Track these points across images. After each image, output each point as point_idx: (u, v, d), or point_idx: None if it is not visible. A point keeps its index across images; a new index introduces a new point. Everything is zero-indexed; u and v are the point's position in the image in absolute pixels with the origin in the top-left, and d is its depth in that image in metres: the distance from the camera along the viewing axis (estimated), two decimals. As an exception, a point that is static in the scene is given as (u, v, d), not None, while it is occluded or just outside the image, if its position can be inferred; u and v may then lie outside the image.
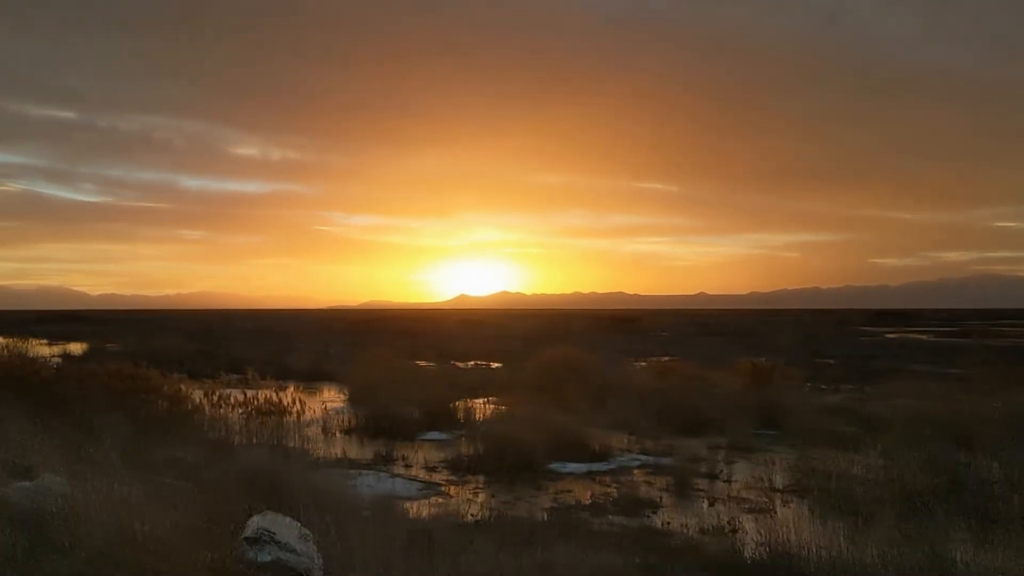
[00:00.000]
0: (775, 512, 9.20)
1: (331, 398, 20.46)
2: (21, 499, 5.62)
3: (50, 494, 5.64)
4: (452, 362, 33.32)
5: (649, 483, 10.92)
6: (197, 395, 15.59)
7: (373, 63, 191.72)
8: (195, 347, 31.51)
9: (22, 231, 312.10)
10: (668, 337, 53.64)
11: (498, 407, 17.14)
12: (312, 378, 25.56)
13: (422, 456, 12.97)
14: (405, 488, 10.56)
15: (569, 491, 10.51)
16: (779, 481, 10.92)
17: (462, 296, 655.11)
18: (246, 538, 4.89)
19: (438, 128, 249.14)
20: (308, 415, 16.18)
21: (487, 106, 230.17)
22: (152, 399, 12.77)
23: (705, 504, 9.79)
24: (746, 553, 7.24)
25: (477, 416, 16.39)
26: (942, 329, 71.23)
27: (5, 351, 23.98)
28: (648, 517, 9.18)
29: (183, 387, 14.67)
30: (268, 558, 4.72)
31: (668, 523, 8.87)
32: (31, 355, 24.11)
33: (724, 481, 11.11)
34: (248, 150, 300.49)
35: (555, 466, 11.89)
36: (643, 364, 30.30)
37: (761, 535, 7.54)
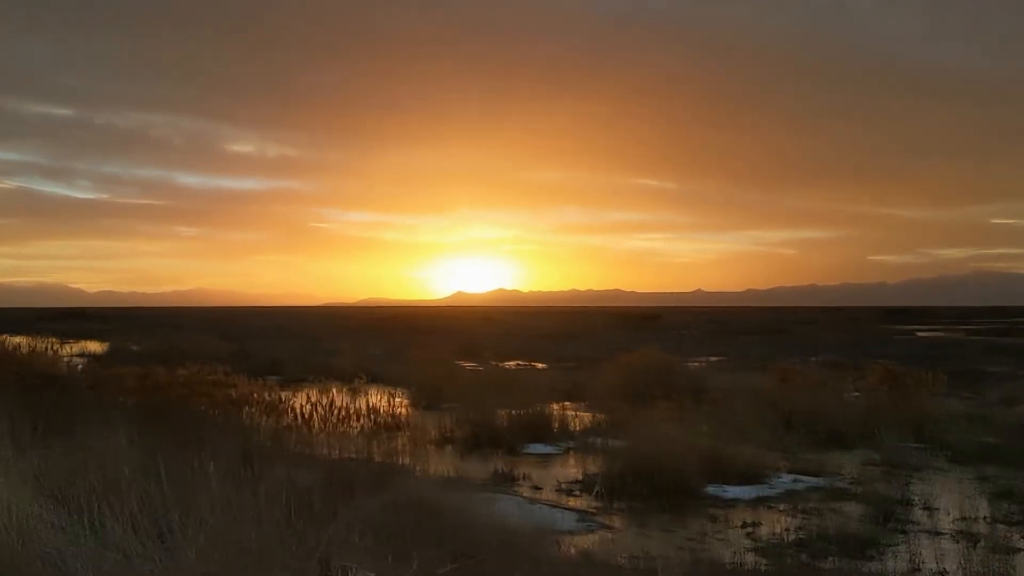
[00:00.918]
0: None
1: (399, 404, 18.74)
2: None
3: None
4: (493, 363, 31.70)
5: (839, 511, 9.25)
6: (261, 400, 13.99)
7: (369, 60, 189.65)
8: (228, 347, 29.75)
9: (19, 228, 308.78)
10: (700, 335, 52.00)
11: (594, 416, 15.51)
12: (352, 380, 23.85)
13: (545, 475, 11.31)
14: (558, 519, 8.89)
15: (754, 523, 8.84)
16: (989, 509, 9.28)
17: (459, 293, 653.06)
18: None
19: (435, 125, 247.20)
20: (384, 423, 14.50)
21: (484, 102, 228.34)
22: (252, 410, 11.10)
23: (935, 540, 8.15)
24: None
25: (576, 426, 14.77)
26: (968, 327, 69.86)
27: (30, 351, 22.23)
28: (881, 560, 7.56)
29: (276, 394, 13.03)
30: None
31: (915, 568, 7.25)
32: (65, 356, 22.49)
33: (924, 508, 9.47)
34: (245, 147, 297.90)
35: (713, 490, 10.23)
36: (700, 365, 28.73)
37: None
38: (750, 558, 7.57)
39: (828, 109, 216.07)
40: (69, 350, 31.00)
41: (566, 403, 17.68)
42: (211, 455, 5.85)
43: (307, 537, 4.36)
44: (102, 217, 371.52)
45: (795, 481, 10.80)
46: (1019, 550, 7.77)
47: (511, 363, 31.97)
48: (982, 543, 7.97)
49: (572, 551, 7.57)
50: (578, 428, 14.65)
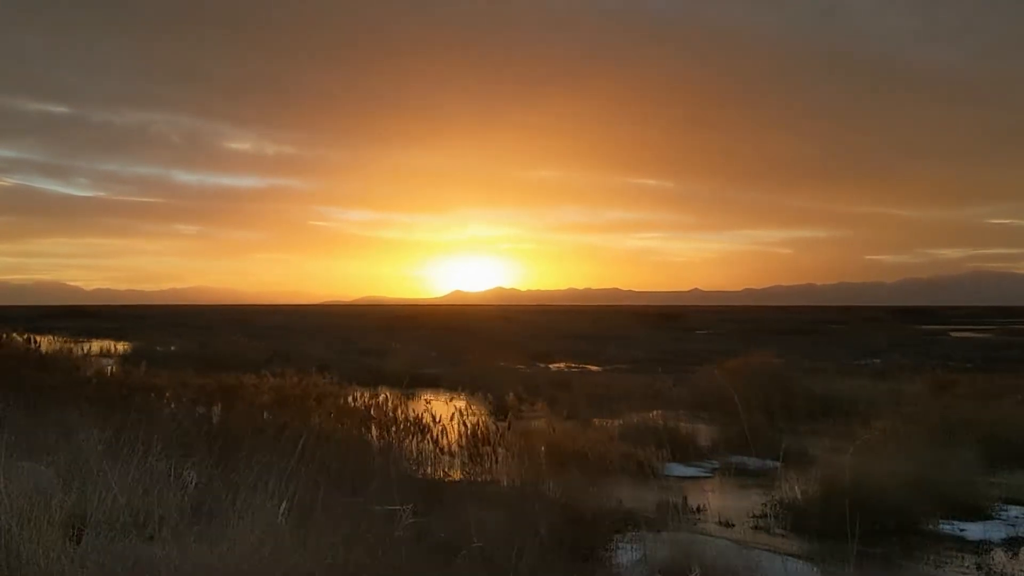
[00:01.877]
0: None
1: (476, 411, 17.00)
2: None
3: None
4: (540, 364, 30.00)
5: None
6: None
7: (367, 59, 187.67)
8: (262, 347, 27.96)
9: (16, 226, 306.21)
10: (733, 336, 50.29)
11: (719, 431, 13.77)
12: (413, 383, 22.08)
13: (717, 505, 9.57)
14: (791, 570, 7.18)
15: (1039, 576, 7.15)
16: None
17: (457, 292, 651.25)
18: None
19: (432, 123, 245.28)
20: (490, 437, 12.76)
21: (481, 101, 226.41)
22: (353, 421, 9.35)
23: None
24: None
25: (706, 443, 13.05)
26: (990, 327, 68.36)
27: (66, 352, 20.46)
28: None
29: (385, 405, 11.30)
30: None
31: None
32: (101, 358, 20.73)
33: None
34: (243, 145, 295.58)
35: (946, 528, 8.53)
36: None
37: None
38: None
39: (825, 109, 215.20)
40: (91, 351, 29.11)
41: (663, 413, 15.94)
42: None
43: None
44: (100, 215, 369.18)
45: (1027, 515, 9.09)
46: None
47: (559, 365, 30.28)
48: None
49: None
50: (710, 445, 12.94)
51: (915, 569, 7.43)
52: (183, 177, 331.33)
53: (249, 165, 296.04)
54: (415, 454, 9.77)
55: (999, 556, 7.74)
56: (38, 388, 9.27)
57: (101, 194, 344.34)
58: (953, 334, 57.02)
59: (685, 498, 9.55)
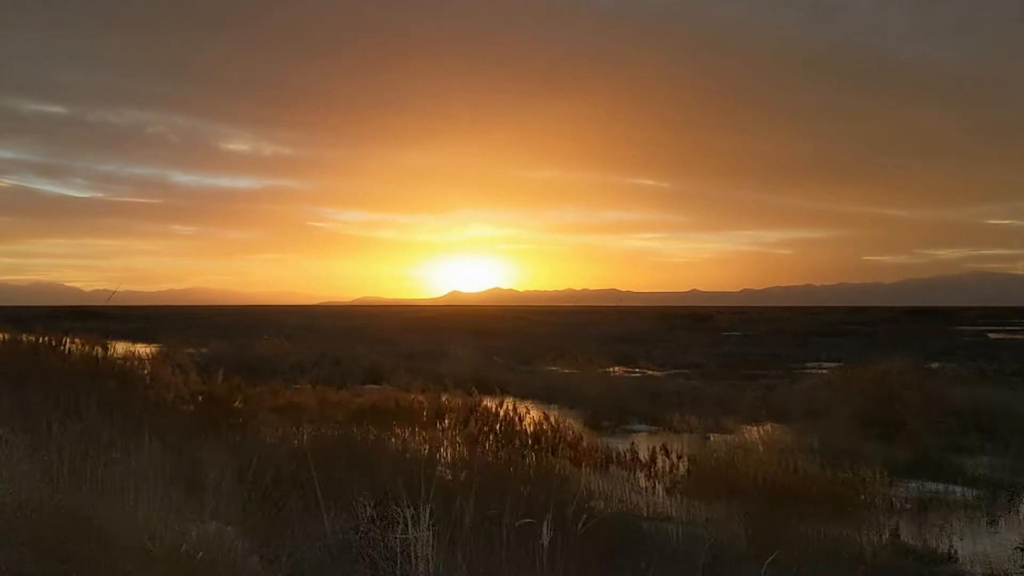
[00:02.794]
0: None
1: (578, 425, 15.15)
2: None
3: None
4: (598, 368, 28.15)
5: None
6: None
7: (365, 59, 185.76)
8: (304, 350, 26.06)
9: (14, 226, 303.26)
10: (772, 338, 48.47)
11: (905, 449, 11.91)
12: (481, 389, 20.23)
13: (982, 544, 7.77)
14: None
15: None
16: None
17: (454, 292, 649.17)
18: None
19: (430, 124, 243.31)
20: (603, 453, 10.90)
21: (479, 102, 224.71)
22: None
23: None
24: None
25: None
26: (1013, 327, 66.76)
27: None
28: None
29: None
30: None
31: None
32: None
33: None
34: (240, 145, 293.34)
35: None
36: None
37: None
38: None
39: (824, 109, 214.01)
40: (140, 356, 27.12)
41: (823, 426, 14.03)
42: None
43: None
44: (98, 215, 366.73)
45: None
46: None
47: (615, 369, 28.41)
48: None
49: None
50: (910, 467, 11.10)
51: None
52: (180, 178, 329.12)
53: (246, 165, 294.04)
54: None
55: None
56: (151, 407, 7.40)
57: (98, 195, 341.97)
58: (990, 335, 55.42)
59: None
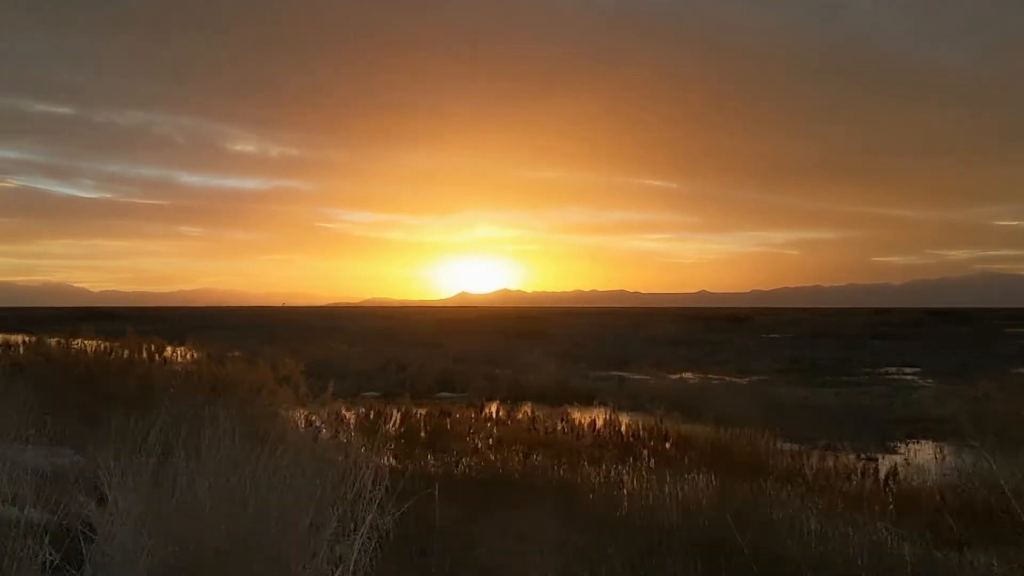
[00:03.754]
0: None
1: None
2: None
3: None
4: (668, 375, 26.41)
5: None
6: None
7: (370, 59, 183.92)
8: (365, 355, 24.31)
9: (21, 227, 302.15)
10: (812, 340, 46.60)
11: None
12: (573, 400, 18.42)
13: None
14: None
15: None
16: None
17: (463, 294, 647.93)
18: None
19: (438, 125, 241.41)
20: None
21: (487, 102, 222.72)
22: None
23: None
24: None
25: None
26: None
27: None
28: None
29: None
30: None
31: None
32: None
33: None
34: (247, 146, 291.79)
35: None
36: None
37: None
38: None
39: (829, 110, 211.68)
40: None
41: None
42: None
43: None
44: (105, 216, 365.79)
45: None
46: None
47: (686, 376, 26.65)
48: None
49: None
50: None
51: None
52: (187, 179, 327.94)
53: (253, 166, 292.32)
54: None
55: None
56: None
57: (106, 195, 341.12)
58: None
59: None
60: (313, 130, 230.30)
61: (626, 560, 5.31)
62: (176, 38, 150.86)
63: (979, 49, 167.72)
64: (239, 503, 3.83)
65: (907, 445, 12.84)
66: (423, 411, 10.93)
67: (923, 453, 12.14)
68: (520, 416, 11.35)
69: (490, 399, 18.17)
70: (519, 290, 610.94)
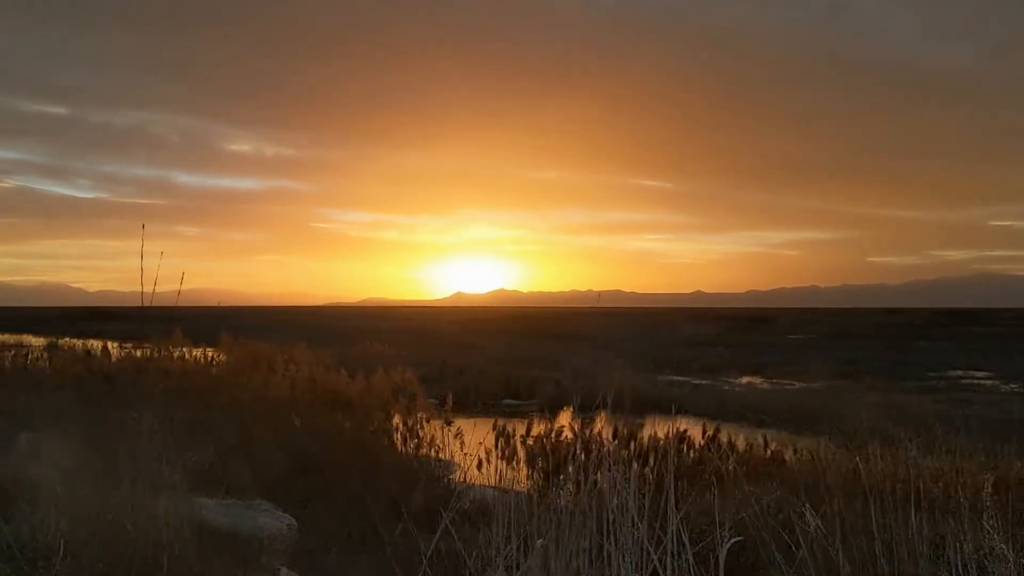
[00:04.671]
0: None
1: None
2: None
3: None
4: (724, 379, 25.04)
5: None
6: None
7: (367, 59, 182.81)
8: (412, 358, 22.80)
9: (18, 227, 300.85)
10: (841, 341, 45.33)
11: None
12: (653, 409, 17.01)
13: None
14: None
15: None
16: None
17: (459, 294, 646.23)
18: None
19: (433, 124, 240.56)
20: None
21: (483, 102, 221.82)
22: None
23: None
24: None
25: None
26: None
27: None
28: None
29: None
30: None
31: None
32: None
33: None
34: (242, 146, 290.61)
35: None
36: None
37: None
38: None
39: (829, 110, 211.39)
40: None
41: None
42: None
43: None
44: (102, 216, 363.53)
45: None
46: None
47: (744, 380, 25.29)
48: None
49: None
50: None
51: None
52: (183, 179, 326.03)
53: (249, 167, 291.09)
54: None
55: None
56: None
57: (103, 195, 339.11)
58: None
59: None
60: (308, 130, 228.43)
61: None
62: (173, 39, 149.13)
63: (980, 51, 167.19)
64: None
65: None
66: (541, 427, 9.51)
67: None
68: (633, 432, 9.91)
69: (559, 407, 16.78)
70: (515, 290, 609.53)
